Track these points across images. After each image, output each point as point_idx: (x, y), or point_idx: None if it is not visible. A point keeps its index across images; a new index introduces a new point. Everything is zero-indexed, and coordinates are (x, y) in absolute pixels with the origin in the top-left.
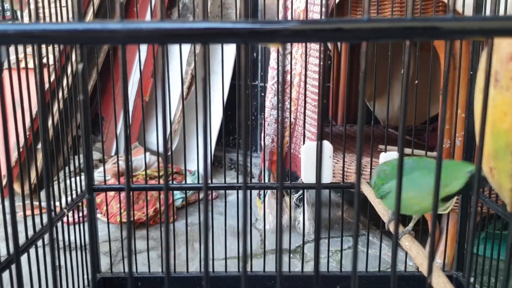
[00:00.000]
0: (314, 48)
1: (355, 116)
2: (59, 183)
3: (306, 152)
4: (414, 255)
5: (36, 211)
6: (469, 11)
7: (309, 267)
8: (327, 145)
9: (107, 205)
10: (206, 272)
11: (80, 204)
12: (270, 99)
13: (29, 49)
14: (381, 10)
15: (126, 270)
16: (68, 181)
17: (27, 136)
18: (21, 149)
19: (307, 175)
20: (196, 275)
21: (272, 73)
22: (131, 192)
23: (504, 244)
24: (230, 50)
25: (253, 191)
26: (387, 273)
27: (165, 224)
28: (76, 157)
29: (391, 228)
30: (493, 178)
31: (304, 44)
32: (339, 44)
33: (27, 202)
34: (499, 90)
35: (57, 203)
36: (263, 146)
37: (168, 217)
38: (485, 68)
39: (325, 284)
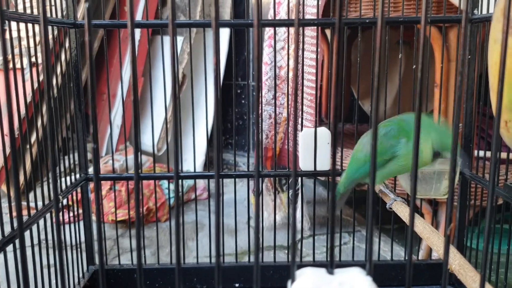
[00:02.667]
0: (308, 42)
1: (349, 115)
2: (48, 183)
3: (303, 139)
4: (406, 215)
5: (24, 212)
6: (464, 3)
7: (306, 262)
8: (325, 132)
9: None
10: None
11: (70, 203)
12: (264, 94)
13: (16, 49)
14: (374, 5)
15: (121, 263)
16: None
17: (16, 136)
18: (8, 150)
19: (304, 162)
20: (192, 267)
21: (265, 68)
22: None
23: (497, 237)
24: (222, 49)
25: (246, 188)
26: (387, 261)
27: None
28: (66, 157)
29: (394, 208)
30: (508, 132)
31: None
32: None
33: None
34: None
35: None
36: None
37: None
38: (504, 14)
39: None
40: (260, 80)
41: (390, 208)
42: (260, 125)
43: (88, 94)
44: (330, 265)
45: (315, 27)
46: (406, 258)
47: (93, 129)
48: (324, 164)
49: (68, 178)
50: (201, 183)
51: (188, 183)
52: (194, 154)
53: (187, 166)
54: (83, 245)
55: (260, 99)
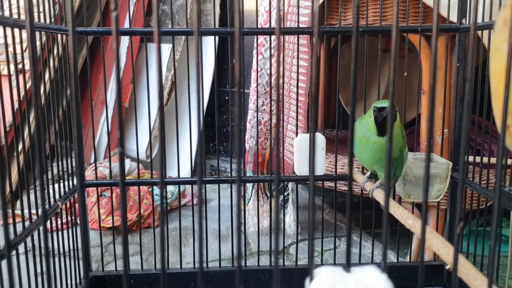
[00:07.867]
0: (302, 51)
1: (334, 121)
2: (42, 189)
3: (298, 144)
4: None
5: (17, 219)
6: (453, 16)
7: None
8: (319, 137)
9: (99, 206)
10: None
11: (59, 210)
12: (254, 101)
13: (2, 56)
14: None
15: (118, 269)
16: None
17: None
18: None
19: (300, 167)
20: (190, 271)
21: (254, 75)
22: (113, 197)
23: (487, 240)
24: (209, 57)
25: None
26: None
27: (160, 214)
28: (54, 164)
29: (367, 187)
30: (510, 136)
31: (290, 48)
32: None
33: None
34: None
35: (34, 211)
36: (247, 148)
37: (162, 211)
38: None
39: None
40: (279, 92)
41: (373, 197)
42: (279, 135)
43: (88, 101)
44: (347, 263)
45: (306, 35)
46: (397, 261)
47: (121, 148)
48: (318, 169)
49: (61, 184)
50: (190, 189)
51: (177, 189)
52: (191, 160)
53: (174, 172)
54: (72, 252)
55: (251, 106)
